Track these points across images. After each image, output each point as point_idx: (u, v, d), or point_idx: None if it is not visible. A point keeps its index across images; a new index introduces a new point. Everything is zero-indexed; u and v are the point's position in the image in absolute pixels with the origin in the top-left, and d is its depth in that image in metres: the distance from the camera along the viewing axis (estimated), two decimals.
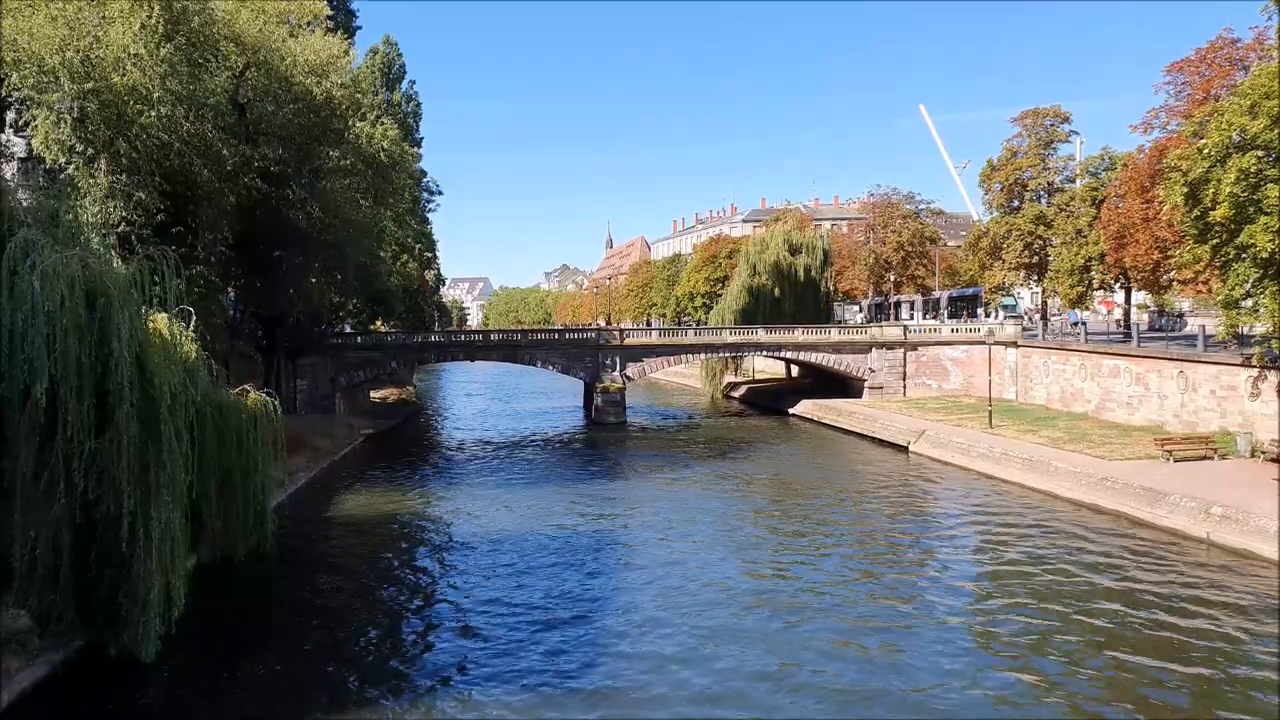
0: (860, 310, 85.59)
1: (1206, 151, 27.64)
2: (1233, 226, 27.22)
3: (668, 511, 30.14)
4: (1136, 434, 36.40)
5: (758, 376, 73.58)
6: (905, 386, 54.61)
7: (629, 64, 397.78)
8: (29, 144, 26.15)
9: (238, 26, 29.26)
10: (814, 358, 56.97)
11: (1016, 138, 58.07)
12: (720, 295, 77.98)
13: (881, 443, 44.24)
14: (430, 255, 79.74)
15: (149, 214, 25.42)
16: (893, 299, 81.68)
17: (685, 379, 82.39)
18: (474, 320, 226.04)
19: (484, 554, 25.26)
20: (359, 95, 36.75)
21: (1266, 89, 26.42)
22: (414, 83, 69.87)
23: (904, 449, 41.90)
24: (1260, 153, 26.11)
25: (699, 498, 32.94)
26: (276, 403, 23.44)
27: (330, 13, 38.15)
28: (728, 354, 62.59)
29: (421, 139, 69.18)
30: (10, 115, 26.78)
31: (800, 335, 56.88)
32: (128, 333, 15.60)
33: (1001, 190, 58.62)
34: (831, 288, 71.13)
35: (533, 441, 49.40)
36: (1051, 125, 57.08)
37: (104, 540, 15.47)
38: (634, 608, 20.33)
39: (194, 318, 19.76)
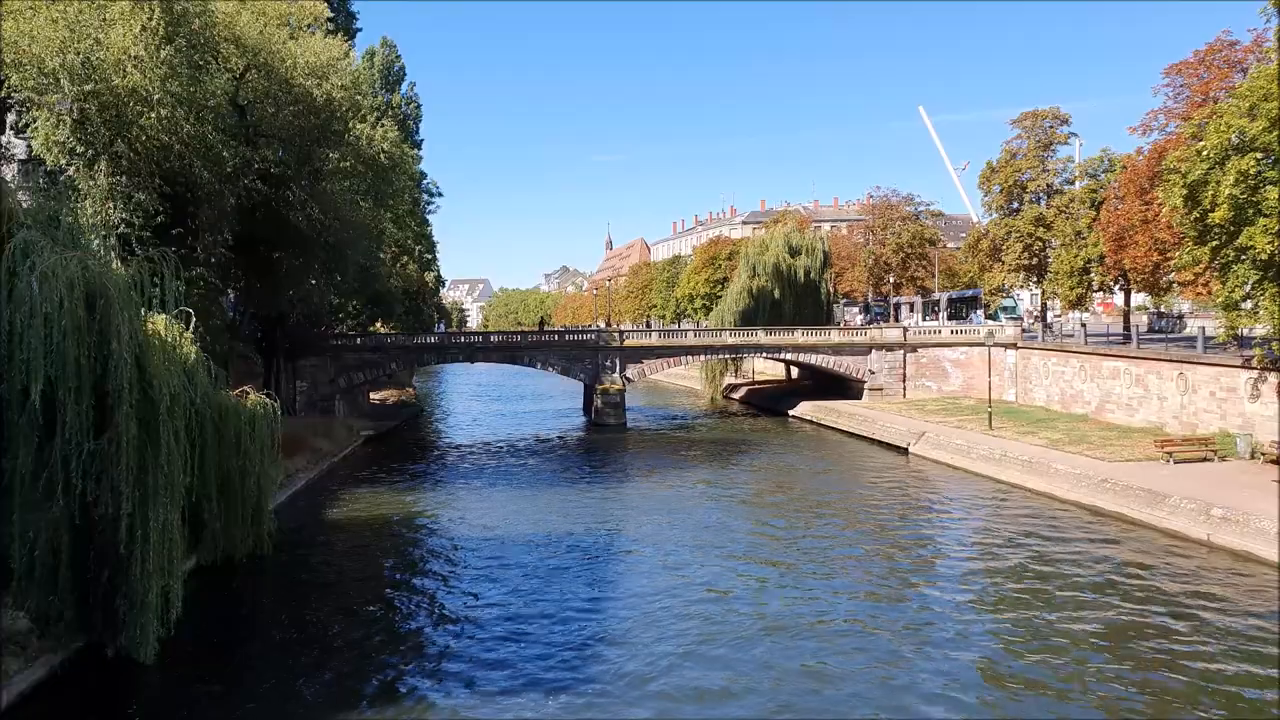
0: (860, 312, 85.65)
1: (1205, 153, 27.62)
2: (1232, 228, 27.21)
3: (667, 517, 30.09)
4: (1136, 435, 36.41)
5: (758, 378, 73.61)
6: (905, 388, 54.63)
7: (628, 66, 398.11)
8: (29, 146, 26.17)
9: (238, 29, 29.26)
10: (814, 359, 56.99)
11: (1016, 139, 58.09)
12: (720, 297, 77.98)
13: (881, 444, 44.24)
14: (430, 257, 79.78)
15: (149, 216, 25.41)
16: (892, 301, 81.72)
17: (685, 380, 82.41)
18: (474, 322, 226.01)
19: (482, 558, 25.22)
20: (359, 97, 36.77)
21: (1265, 91, 26.42)
22: (414, 84, 70.09)
23: (904, 450, 41.90)
24: (1259, 155, 26.10)
25: (699, 502, 32.92)
26: (276, 404, 23.48)
27: (330, 14, 38.20)
28: (727, 355, 62.60)
29: (421, 141, 69.32)
30: (11, 117, 26.79)
31: (800, 337, 56.91)
32: (127, 334, 15.63)
33: (1001, 192, 58.63)
34: (831, 289, 71.11)
35: (532, 443, 49.39)
36: (1050, 127, 57.08)
37: (102, 541, 15.50)
38: (634, 614, 20.26)
39: (193, 319, 19.81)
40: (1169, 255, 39.41)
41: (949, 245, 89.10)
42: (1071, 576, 22.40)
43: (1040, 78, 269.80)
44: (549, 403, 71.76)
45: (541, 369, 58.89)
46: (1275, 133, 25.75)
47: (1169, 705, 15.26)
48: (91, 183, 25.06)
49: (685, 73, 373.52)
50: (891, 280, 78.64)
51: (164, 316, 18.12)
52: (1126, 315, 57.48)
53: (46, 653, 15.74)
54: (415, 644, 18.97)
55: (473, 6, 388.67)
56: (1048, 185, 57.26)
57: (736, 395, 70.77)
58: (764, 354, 60.35)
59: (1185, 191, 28.90)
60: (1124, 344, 44.54)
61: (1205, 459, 31.77)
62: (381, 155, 37.87)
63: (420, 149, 67.59)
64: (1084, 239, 52.58)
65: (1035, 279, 60.29)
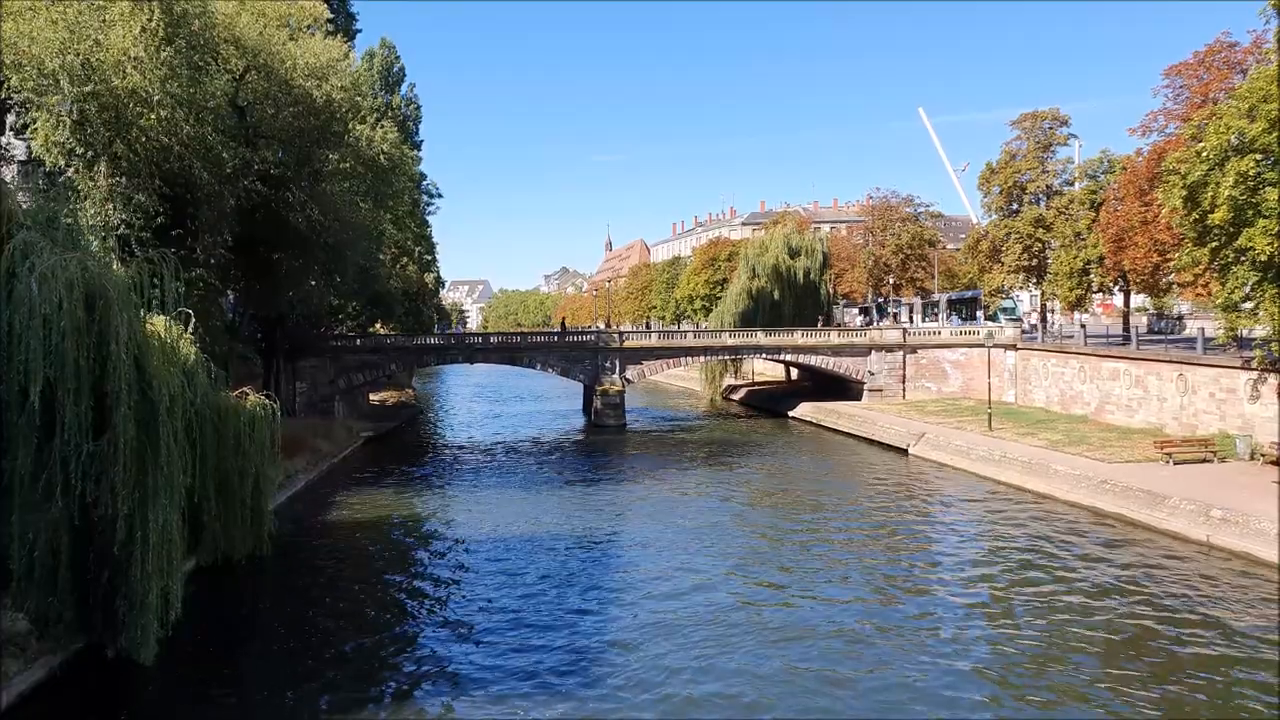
0: (860, 313, 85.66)
1: (1205, 154, 27.60)
2: (1231, 229, 27.18)
3: (666, 519, 30.07)
4: (1136, 436, 36.42)
5: (757, 379, 73.60)
6: (905, 389, 54.62)
7: (628, 66, 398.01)
8: (29, 147, 26.19)
9: (238, 30, 29.28)
10: (813, 360, 57.00)
11: (1015, 140, 58.13)
12: (720, 298, 77.99)
13: (881, 445, 44.24)
14: (430, 258, 79.78)
15: (148, 217, 25.43)
16: (892, 302, 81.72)
17: (685, 381, 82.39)
18: (473, 323, 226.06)
19: (481, 559, 25.21)
20: (358, 98, 36.80)
21: (1265, 92, 26.41)
22: (413, 85, 70.07)
23: (904, 452, 41.89)
24: (1259, 156, 26.07)
25: (698, 504, 32.89)
26: (275, 405, 23.46)
27: (330, 15, 38.21)
28: (727, 356, 62.58)
29: (421, 142, 69.31)
30: (11, 118, 26.81)
31: (800, 338, 56.92)
32: (126, 335, 15.61)
33: (1000, 193, 58.66)
34: (831, 290, 71.12)
35: (532, 445, 49.37)
36: (1050, 128, 57.10)
37: (102, 542, 15.49)
38: (635, 616, 20.26)
39: (193, 320, 19.82)
40: (1168, 256, 39.42)
41: (949, 246, 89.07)
42: (1071, 578, 22.39)
43: (1040, 78, 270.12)
44: (548, 404, 71.75)
45: (541, 370, 58.88)
46: (1275, 134, 25.72)
47: (1168, 706, 15.25)
48: (91, 184, 25.08)
49: (685, 73, 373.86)
50: (891, 281, 78.64)
51: (163, 317, 18.12)
52: (1126, 316, 57.48)
53: (46, 654, 15.73)
54: (415, 645, 18.96)
55: (473, 6, 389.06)
56: (1047, 186, 57.28)
57: (736, 396, 70.76)
58: (763, 355, 60.34)
59: (1185, 193, 28.89)
60: (1123, 345, 44.52)
61: (1205, 460, 31.78)
62: (381, 156, 37.88)
63: (420, 150, 67.68)
64: (1083, 240, 52.59)
65: (1035, 280, 60.32)
